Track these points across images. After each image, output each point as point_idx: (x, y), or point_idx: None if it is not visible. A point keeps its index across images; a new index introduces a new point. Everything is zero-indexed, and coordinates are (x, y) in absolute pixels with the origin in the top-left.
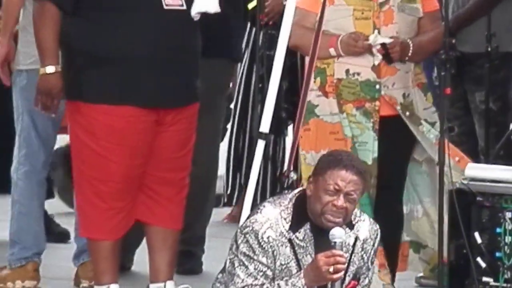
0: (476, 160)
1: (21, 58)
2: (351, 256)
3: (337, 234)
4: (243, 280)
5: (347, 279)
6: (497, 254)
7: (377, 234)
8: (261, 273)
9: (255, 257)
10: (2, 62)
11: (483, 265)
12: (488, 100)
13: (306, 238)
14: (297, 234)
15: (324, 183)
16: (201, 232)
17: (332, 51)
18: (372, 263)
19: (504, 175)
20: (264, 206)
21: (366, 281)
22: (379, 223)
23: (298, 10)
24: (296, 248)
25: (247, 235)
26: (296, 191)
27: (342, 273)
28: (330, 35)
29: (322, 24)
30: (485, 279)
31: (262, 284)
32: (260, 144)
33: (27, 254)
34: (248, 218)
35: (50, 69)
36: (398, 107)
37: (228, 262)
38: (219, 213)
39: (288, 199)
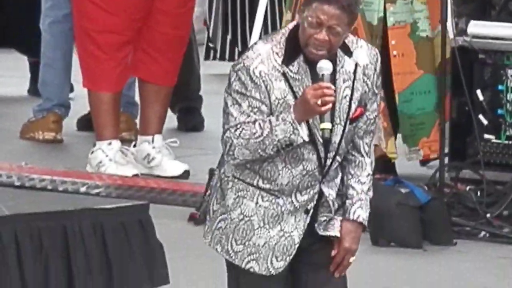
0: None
1: None
2: (353, 83)
3: (324, 66)
4: (235, 118)
5: (353, 106)
6: (499, 111)
7: (376, 59)
8: (255, 109)
9: (248, 93)
10: None
11: (485, 122)
12: None
13: (301, 70)
14: (290, 67)
15: (308, 16)
16: (197, 86)
17: None
18: (377, 87)
19: (507, 32)
20: (255, 43)
21: (375, 105)
22: None
23: None
24: (291, 81)
25: (239, 72)
26: (290, 25)
27: (330, 105)
28: None
29: None
30: (486, 136)
31: (255, 121)
32: (262, 2)
33: (48, 106)
34: (239, 56)
35: None
36: None
37: (223, 102)
38: (207, 66)
39: (281, 33)
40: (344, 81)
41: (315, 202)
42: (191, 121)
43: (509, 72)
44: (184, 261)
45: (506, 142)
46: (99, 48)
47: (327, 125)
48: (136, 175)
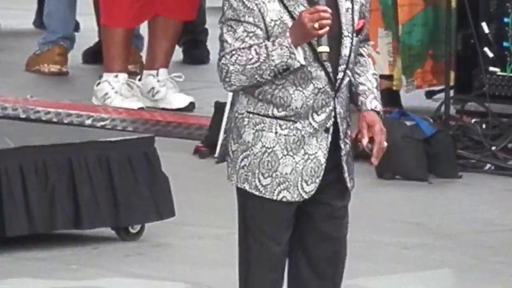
0: None
1: None
2: None
3: None
4: (230, 44)
5: (356, 18)
6: (505, 44)
7: None
8: (250, 34)
9: (242, 19)
10: None
11: (491, 55)
12: None
13: None
14: None
15: None
16: (202, 19)
17: None
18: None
19: None
20: None
21: (367, 15)
22: None
23: None
24: (285, 1)
25: None
26: None
27: (327, 28)
28: None
29: None
30: (492, 69)
31: (250, 46)
32: None
33: (53, 38)
34: None
35: None
36: None
37: (219, 30)
38: None
39: None
40: None
41: (333, 120)
42: (196, 53)
43: None
44: (189, 194)
45: (511, 74)
46: None
47: (324, 48)
48: (141, 108)
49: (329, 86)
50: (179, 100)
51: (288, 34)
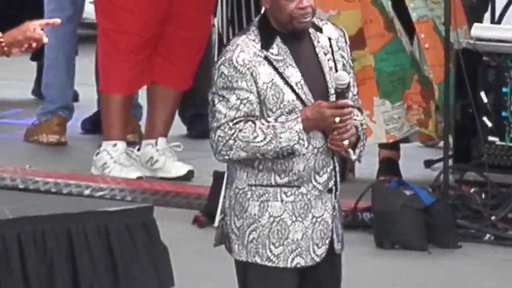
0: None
1: None
2: (333, 55)
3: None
4: (225, 115)
5: None
6: (503, 113)
7: (344, 33)
8: (244, 101)
9: (235, 85)
10: None
11: (489, 124)
12: None
13: (281, 51)
14: (270, 50)
15: None
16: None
17: None
18: (352, 61)
19: (509, 35)
20: (230, 40)
21: (352, 81)
22: None
23: None
24: (274, 63)
25: (222, 67)
26: (256, 18)
27: (348, 122)
28: None
29: None
30: (491, 138)
31: (247, 116)
32: None
33: (51, 108)
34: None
35: None
36: None
37: (210, 102)
38: None
39: (251, 26)
40: (325, 54)
41: (334, 179)
42: (201, 127)
43: None
44: (188, 263)
45: (511, 144)
46: (116, 49)
47: (345, 142)
48: (140, 177)
49: (326, 145)
50: (178, 169)
51: (300, 119)
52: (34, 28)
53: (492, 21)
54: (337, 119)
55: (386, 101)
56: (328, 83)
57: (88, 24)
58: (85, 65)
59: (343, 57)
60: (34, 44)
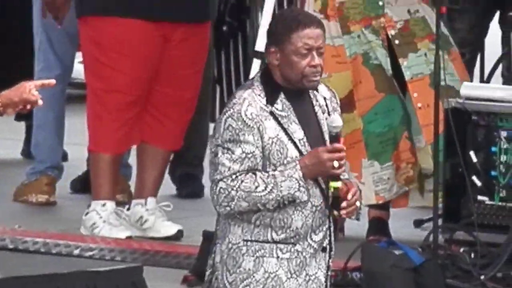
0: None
1: None
2: (329, 114)
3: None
4: (229, 168)
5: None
6: (493, 173)
7: (334, 94)
8: (249, 155)
9: (242, 138)
10: None
11: (479, 184)
12: None
13: (285, 107)
14: (275, 106)
15: (294, 47)
16: (201, 153)
17: None
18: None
19: (499, 94)
20: (235, 93)
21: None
22: None
23: None
24: (279, 119)
25: (229, 119)
26: (257, 72)
27: (344, 167)
28: None
29: None
30: (480, 198)
31: (249, 170)
32: (255, 63)
33: (41, 168)
34: (224, 109)
35: None
36: (393, 31)
37: (210, 154)
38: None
39: (252, 80)
40: (322, 113)
41: (328, 238)
42: (191, 187)
43: (502, 133)
44: None
45: (500, 203)
46: (105, 108)
47: (339, 184)
48: (130, 237)
49: (324, 203)
50: (167, 228)
51: (298, 167)
52: (30, 89)
53: (481, 80)
54: (336, 164)
55: (375, 162)
56: (324, 133)
57: (77, 84)
58: (75, 125)
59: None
60: (28, 106)
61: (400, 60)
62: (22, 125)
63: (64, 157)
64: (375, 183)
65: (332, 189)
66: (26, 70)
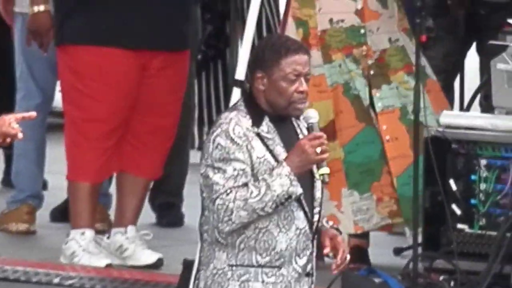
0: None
1: (17, 0)
2: None
3: (311, 114)
4: (223, 185)
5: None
6: (472, 201)
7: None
8: (241, 172)
9: (232, 156)
10: (4, 2)
11: (458, 212)
12: None
13: (270, 129)
14: (261, 127)
15: (283, 73)
16: (180, 181)
17: None
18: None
19: (478, 122)
20: (221, 115)
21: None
22: None
23: None
24: (265, 140)
25: (218, 138)
26: (239, 98)
27: (328, 153)
28: None
29: None
30: (460, 226)
31: (244, 185)
32: (236, 92)
33: (21, 197)
34: (210, 130)
35: (39, 8)
36: (370, 61)
37: (201, 177)
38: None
39: (237, 105)
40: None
41: (311, 264)
42: (170, 216)
43: (482, 162)
44: None
45: (479, 232)
46: (84, 137)
47: (326, 169)
48: (109, 265)
49: (308, 227)
50: (147, 257)
51: (284, 163)
52: (10, 122)
53: (461, 108)
54: (318, 150)
55: (355, 192)
56: (313, 168)
57: (57, 113)
58: (55, 153)
59: None
60: (8, 140)
61: (373, 91)
62: (1, 154)
63: (44, 185)
64: (354, 212)
65: (321, 177)
66: (7, 100)
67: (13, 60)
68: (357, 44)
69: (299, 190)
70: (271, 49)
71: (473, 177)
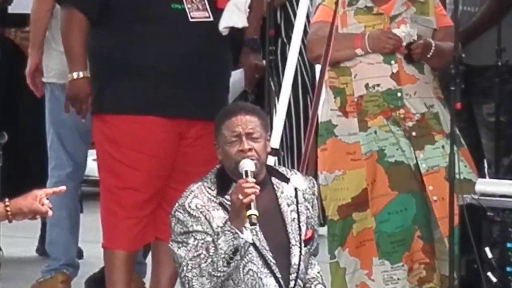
0: (481, 173)
1: (44, 71)
2: (297, 206)
3: (245, 163)
4: (184, 257)
5: (303, 228)
6: (508, 269)
7: (313, 184)
8: (201, 242)
9: (191, 229)
10: (32, 74)
11: (494, 280)
12: (498, 113)
13: None
14: (226, 197)
15: (224, 138)
16: None
17: (358, 51)
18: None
19: None
20: (187, 187)
21: (317, 228)
22: None
23: (314, 24)
24: (229, 209)
25: (176, 213)
26: (215, 167)
27: (253, 196)
28: (353, 36)
29: (332, 33)
30: None
31: (205, 250)
32: (270, 161)
33: (56, 266)
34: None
35: (78, 74)
36: (411, 123)
37: (170, 251)
38: None
39: (209, 173)
40: (288, 205)
41: None
42: None
43: None
44: None
45: None
46: (120, 205)
47: (252, 211)
48: None
49: None
50: None
51: (228, 222)
52: (41, 198)
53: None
54: (240, 196)
55: (386, 261)
56: (289, 234)
57: (92, 181)
58: (90, 222)
59: (308, 209)
60: (38, 217)
61: (417, 153)
62: (37, 222)
63: (80, 254)
64: (385, 281)
65: (250, 218)
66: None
67: (45, 130)
68: (395, 107)
69: (241, 241)
70: (217, 117)
71: (508, 244)
